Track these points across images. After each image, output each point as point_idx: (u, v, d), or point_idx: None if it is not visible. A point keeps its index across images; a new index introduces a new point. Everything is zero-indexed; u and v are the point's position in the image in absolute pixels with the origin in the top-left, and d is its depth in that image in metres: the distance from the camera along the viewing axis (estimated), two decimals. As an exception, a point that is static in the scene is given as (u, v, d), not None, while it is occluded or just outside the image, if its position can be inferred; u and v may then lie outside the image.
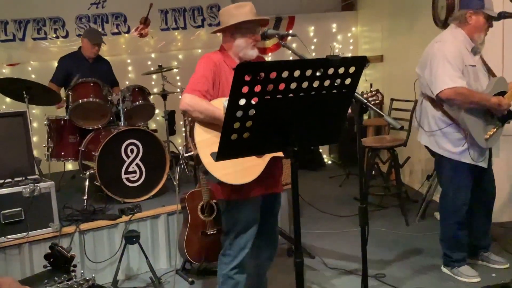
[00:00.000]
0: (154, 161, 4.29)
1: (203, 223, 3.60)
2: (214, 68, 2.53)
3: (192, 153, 2.42)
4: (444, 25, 4.82)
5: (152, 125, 6.53)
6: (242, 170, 2.33)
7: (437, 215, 4.70)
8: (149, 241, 3.87)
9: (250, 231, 2.65)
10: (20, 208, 3.38)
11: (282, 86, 1.73)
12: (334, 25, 7.41)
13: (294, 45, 5.96)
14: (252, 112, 1.74)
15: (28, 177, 3.57)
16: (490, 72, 3.34)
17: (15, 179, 3.52)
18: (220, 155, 1.80)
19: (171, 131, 5.76)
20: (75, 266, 2.21)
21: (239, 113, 1.73)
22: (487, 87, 3.20)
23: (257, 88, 1.69)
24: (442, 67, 3.12)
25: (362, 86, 7.23)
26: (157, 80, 6.43)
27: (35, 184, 3.41)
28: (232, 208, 2.65)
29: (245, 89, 1.67)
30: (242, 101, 1.70)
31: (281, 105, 1.79)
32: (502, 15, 3.15)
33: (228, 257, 2.71)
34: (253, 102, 1.72)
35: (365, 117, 6.74)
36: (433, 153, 3.43)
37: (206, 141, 2.37)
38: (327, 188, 6.03)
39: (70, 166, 6.13)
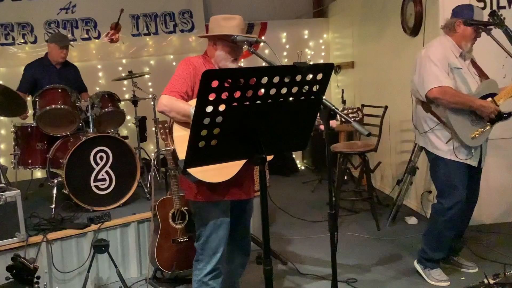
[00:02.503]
0: (124, 168, 4.23)
1: (174, 231, 3.56)
2: (193, 71, 2.55)
3: (169, 148, 2.47)
4: (412, 32, 4.91)
5: (124, 132, 6.45)
6: (218, 169, 2.31)
7: (408, 219, 4.78)
8: (119, 250, 3.81)
9: (220, 235, 2.64)
10: (-16, 218, 3.28)
11: (249, 93, 1.73)
12: (306, 32, 7.47)
13: (266, 52, 5.99)
14: (219, 119, 1.73)
15: (-7, 186, 3.48)
16: (483, 76, 3.43)
17: (-20, 188, 3.43)
18: (187, 163, 1.78)
19: (142, 137, 5.69)
20: (38, 277, 2.15)
21: (206, 120, 1.71)
22: (476, 90, 3.31)
23: (224, 95, 1.68)
24: (429, 68, 3.26)
25: (334, 92, 7.31)
26: (128, 86, 6.36)
27: (0, 193, 3.32)
28: (201, 209, 2.66)
29: (212, 96, 1.66)
30: (209, 108, 1.69)
31: (249, 112, 1.78)
32: (469, 22, 3.23)
33: (201, 263, 2.69)
34: (220, 109, 1.71)
35: (337, 122, 6.79)
36: (428, 155, 3.51)
37: (184, 137, 2.35)
38: (300, 194, 6.05)
39: (39, 173, 6.00)
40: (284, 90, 1.79)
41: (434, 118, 3.36)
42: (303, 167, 7.46)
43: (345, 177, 5.60)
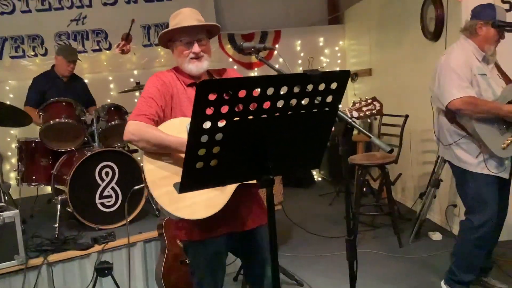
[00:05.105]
0: (131, 184, 4.01)
1: (182, 251, 3.34)
2: (161, 88, 2.20)
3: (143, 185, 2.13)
4: (433, 36, 4.67)
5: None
6: (202, 202, 2.02)
7: (432, 235, 4.50)
8: (125, 271, 3.59)
9: (215, 278, 2.31)
10: (-19, 240, 3.12)
11: (253, 106, 1.51)
12: (321, 39, 7.27)
13: (280, 60, 5.77)
14: (219, 136, 1.51)
15: (-8, 205, 3.32)
16: (508, 80, 3.19)
17: (-22, 208, 3.27)
18: (183, 186, 1.56)
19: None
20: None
21: (204, 138, 1.49)
22: (501, 94, 3.06)
23: (224, 109, 1.46)
24: (449, 78, 3.04)
25: (351, 101, 7.04)
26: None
27: (-2, 213, 3.16)
28: (191, 250, 2.32)
29: (209, 111, 1.44)
30: (207, 124, 1.47)
31: (253, 128, 1.56)
32: (497, 24, 2.98)
33: None
34: (220, 124, 1.49)
35: (354, 132, 6.56)
36: (454, 169, 3.27)
37: (155, 171, 2.05)
38: (317, 207, 5.80)
39: (48, 188, 5.86)
40: (293, 102, 1.57)
41: (459, 129, 3.12)
42: (319, 179, 7.20)
43: (364, 189, 5.33)
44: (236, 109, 1.48)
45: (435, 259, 3.99)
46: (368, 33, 6.48)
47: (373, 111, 2.22)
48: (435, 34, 4.64)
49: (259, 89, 1.48)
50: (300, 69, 7.05)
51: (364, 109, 2.20)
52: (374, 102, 2.20)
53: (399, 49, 5.58)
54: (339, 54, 7.34)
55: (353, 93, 6.98)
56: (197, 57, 2.22)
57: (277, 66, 2.18)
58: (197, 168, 1.53)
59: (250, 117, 1.52)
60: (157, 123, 2.15)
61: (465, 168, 3.13)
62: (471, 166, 3.10)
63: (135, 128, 2.10)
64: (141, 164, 4.07)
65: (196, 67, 2.23)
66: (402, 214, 5.06)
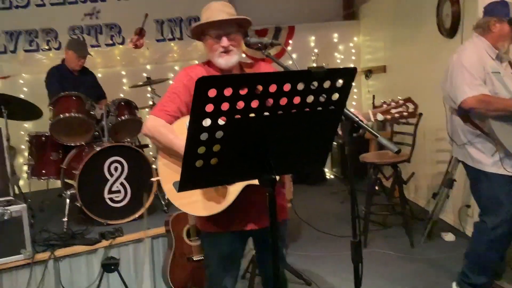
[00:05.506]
0: (140, 179, 4.02)
1: (189, 248, 3.32)
2: (188, 83, 2.19)
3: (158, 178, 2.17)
4: (449, 33, 4.58)
5: (147, 140, 6.28)
6: (207, 200, 2.03)
7: (445, 235, 4.42)
8: (132, 268, 3.58)
9: (227, 271, 2.30)
10: (-12, 233, 3.11)
11: (255, 104, 1.46)
12: (336, 35, 7.19)
13: (294, 56, 5.69)
14: (219, 134, 1.46)
15: (1, 199, 3.32)
16: None
17: (-15, 202, 3.28)
18: (182, 185, 1.52)
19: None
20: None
21: (203, 136, 1.44)
22: None
23: (225, 106, 1.42)
24: (461, 77, 2.96)
25: (365, 98, 6.98)
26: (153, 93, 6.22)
27: (5, 208, 3.15)
28: (206, 242, 2.35)
29: (209, 107, 1.40)
30: (207, 122, 1.42)
31: (255, 126, 1.50)
32: (513, 21, 2.91)
33: None
34: (220, 122, 1.45)
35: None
36: (468, 169, 3.19)
37: (167, 165, 2.12)
38: (328, 205, 5.74)
39: (59, 183, 5.88)
40: (297, 100, 1.52)
41: (474, 128, 3.03)
42: (331, 176, 7.13)
43: (377, 188, 5.25)
44: (237, 107, 1.44)
45: (447, 260, 3.91)
46: (383, 29, 6.39)
47: (404, 113, 2.08)
48: (451, 30, 4.55)
49: (261, 86, 1.43)
50: (313, 66, 6.98)
51: (393, 111, 2.08)
52: (408, 103, 2.06)
53: (414, 46, 5.48)
54: (353, 51, 7.25)
55: (367, 90, 6.89)
56: (226, 51, 2.19)
57: (290, 62, 2.13)
58: (197, 166, 1.49)
59: (252, 115, 1.47)
60: (175, 119, 2.18)
61: (479, 168, 3.05)
62: (485, 166, 3.03)
63: (152, 125, 2.16)
64: (151, 160, 4.09)
65: (225, 61, 2.20)
66: (414, 214, 4.97)
